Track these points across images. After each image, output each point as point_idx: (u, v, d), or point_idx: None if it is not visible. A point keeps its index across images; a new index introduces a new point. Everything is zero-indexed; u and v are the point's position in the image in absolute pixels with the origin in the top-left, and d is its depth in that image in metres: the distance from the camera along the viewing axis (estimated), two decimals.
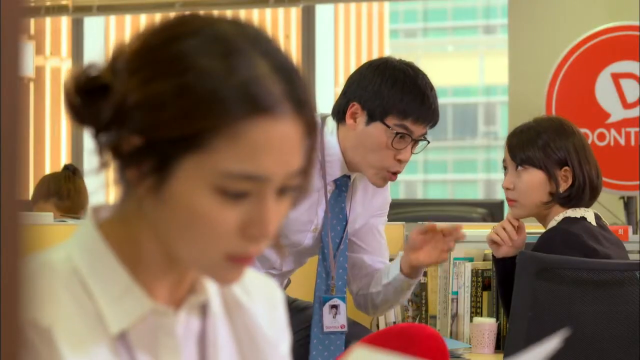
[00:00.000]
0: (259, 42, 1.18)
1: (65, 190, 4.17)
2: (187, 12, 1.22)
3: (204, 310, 1.28)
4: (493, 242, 3.02)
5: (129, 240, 1.22)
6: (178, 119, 1.14)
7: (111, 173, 1.22)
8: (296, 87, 1.17)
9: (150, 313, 1.21)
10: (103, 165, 1.19)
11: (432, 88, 2.87)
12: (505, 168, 3.05)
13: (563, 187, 2.95)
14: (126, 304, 1.20)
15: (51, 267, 1.20)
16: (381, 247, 3.09)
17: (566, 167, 2.94)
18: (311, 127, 1.19)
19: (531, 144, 2.96)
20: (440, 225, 2.87)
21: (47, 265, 1.20)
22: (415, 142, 2.88)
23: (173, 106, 1.14)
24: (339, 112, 2.91)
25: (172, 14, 1.23)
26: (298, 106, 1.17)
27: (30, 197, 4.22)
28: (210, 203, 1.15)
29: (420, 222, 3.76)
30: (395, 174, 2.90)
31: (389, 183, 3.03)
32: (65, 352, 1.15)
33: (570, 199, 2.95)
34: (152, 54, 1.17)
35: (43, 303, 1.17)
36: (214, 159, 1.14)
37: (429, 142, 2.92)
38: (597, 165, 3.00)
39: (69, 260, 1.21)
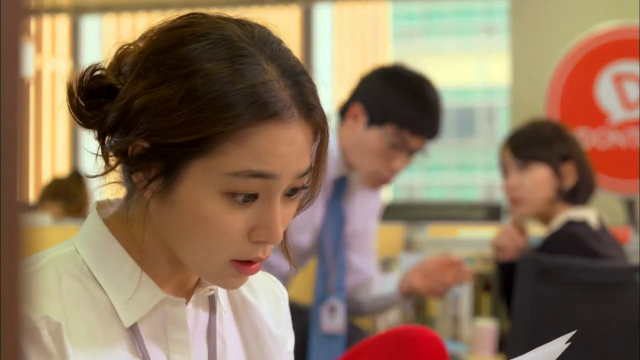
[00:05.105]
0: (266, 45, 1.17)
1: (74, 193, 4.24)
2: (193, 13, 1.19)
3: (211, 305, 1.28)
4: (497, 248, 3.02)
5: (133, 241, 1.21)
6: (185, 125, 1.12)
7: (112, 174, 1.21)
8: (304, 91, 1.16)
9: (161, 304, 1.21)
10: (108, 169, 1.18)
11: (437, 101, 2.83)
12: (503, 172, 3.04)
13: (567, 182, 2.96)
14: (139, 294, 1.20)
15: (60, 262, 1.20)
16: (368, 248, 3.08)
17: (569, 162, 2.96)
18: (320, 129, 1.18)
19: (534, 140, 2.98)
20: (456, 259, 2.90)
21: (56, 261, 1.20)
22: (412, 152, 2.86)
23: (180, 111, 1.12)
24: (343, 111, 2.90)
25: (178, 14, 1.21)
26: (306, 110, 1.16)
27: (37, 197, 4.32)
28: (218, 207, 1.14)
29: (420, 223, 3.76)
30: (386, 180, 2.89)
31: None
32: (75, 349, 1.15)
33: (575, 195, 2.96)
34: (158, 57, 1.15)
35: (54, 300, 1.16)
36: (221, 163, 1.13)
37: (428, 157, 2.90)
38: (591, 164, 3.04)
39: (78, 254, 1.21)
